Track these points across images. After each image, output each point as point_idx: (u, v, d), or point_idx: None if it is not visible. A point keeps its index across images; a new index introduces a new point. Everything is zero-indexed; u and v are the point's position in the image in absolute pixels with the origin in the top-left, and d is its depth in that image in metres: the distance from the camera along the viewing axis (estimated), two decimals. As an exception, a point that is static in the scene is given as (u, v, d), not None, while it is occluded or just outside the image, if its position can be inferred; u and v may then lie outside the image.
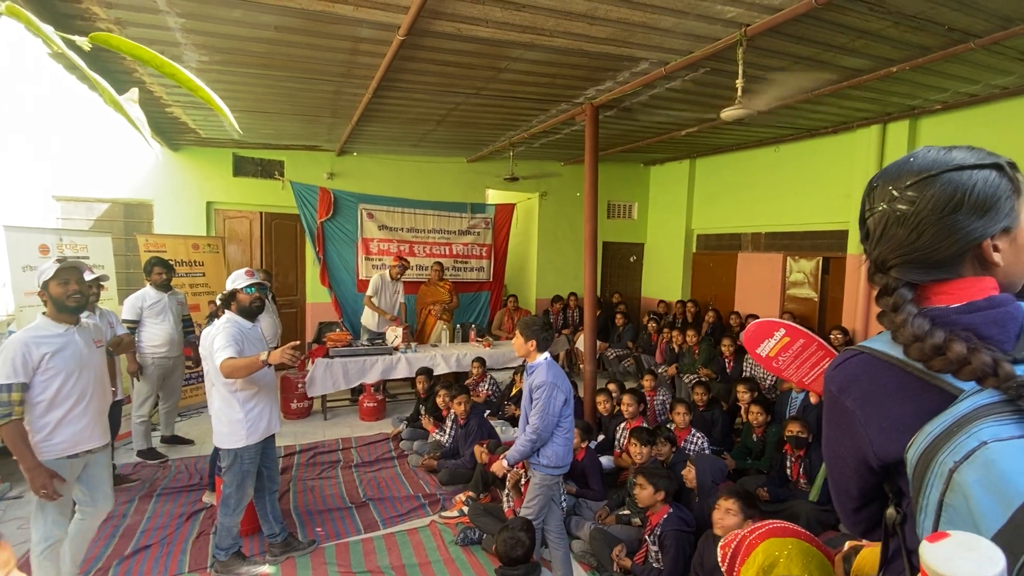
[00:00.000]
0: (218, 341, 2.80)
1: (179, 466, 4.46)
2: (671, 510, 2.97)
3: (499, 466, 2.89)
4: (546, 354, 2.82)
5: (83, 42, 0.53)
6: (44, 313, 2.48)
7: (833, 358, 1.10)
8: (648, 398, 5.20)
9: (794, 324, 1.11)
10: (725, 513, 2.48)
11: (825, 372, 0.83)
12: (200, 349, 3.37)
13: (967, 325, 0.68)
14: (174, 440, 4.89)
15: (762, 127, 6.36)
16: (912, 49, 3.80)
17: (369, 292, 6.24)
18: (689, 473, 3.27)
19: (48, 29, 0.50)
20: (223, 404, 2.92)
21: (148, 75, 4.27)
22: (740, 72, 3.57)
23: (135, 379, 4.39)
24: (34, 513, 2.43)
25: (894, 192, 0.75)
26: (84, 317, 2.63)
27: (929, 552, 0.49)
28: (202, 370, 3.23)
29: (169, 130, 6.07)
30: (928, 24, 3.37)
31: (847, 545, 1.20)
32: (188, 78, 0.58)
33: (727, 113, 3.65)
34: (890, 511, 0.78)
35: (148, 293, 4.48)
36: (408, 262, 6.49)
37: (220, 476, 3.01)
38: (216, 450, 3.67)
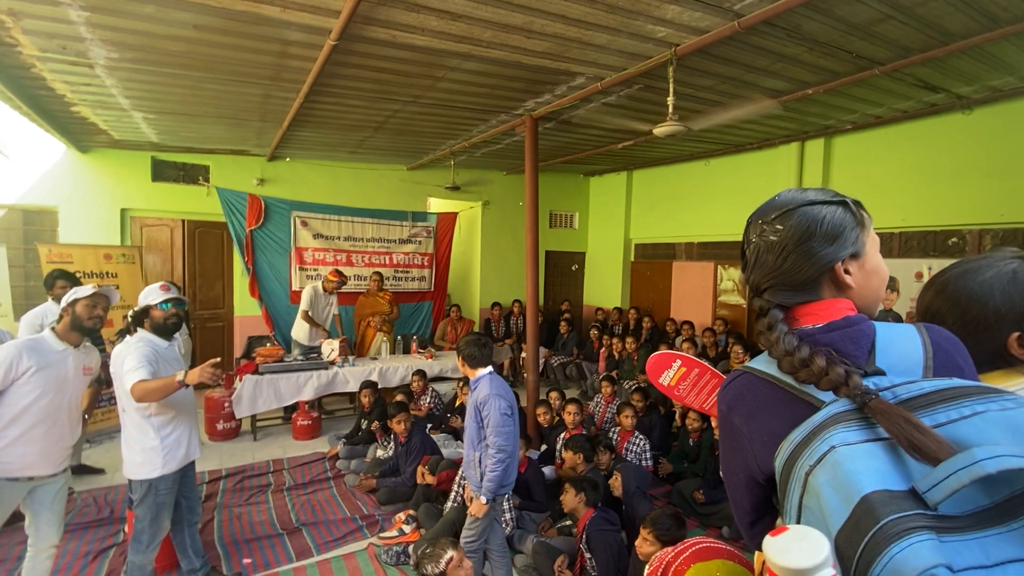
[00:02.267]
0: (128, 362, 2.56)
1: (86, 499, 4.05)
2: (595, 512, 3.02)
3: (479, 507, 2.64)
4: (488, 368, 2.77)
5: None
6: (53, 329, 2.54)
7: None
8: (604, 404, 5.27)
9: (688, 355, 1.17)
10: (643, 541, 2.52)
11: (717, 392, 0.90)
12: (111, 369, 3.08)
13: (827, 343, 0.76)
14: (82, 469, 4.44)
15: (693, 142, 6.64)
16: (825, 73, 4.08)
17: (303, 306, 5.95)
18: (616, 481, 3.37)
19: None
20: (136, 430, 2.67)
21: (49, 71, 3.90)
22: (671, 90, 3.70)
23: None
24: None
25: (764, 226, 0.86)
26: (87, 343, 2.68)
27: (768, 544, 0.54)
28: (113, 392, 2.96)
29: (76, 131, 5.58)
30: (838, 51, 3.64)
31: (759, 557, 1.22)
32: None
33: (660, 129, 3.77)
34: (780, 522, 0.82)
35: (50, 309, 4.06)
36: (346, 277, 6.25)
37: (132, 510, 2.75)
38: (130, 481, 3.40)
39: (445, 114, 5.20)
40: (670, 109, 3.71)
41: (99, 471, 4.52)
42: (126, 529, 3.51)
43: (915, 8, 3.08)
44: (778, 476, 0.71)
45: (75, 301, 2.53)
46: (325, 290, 6.05)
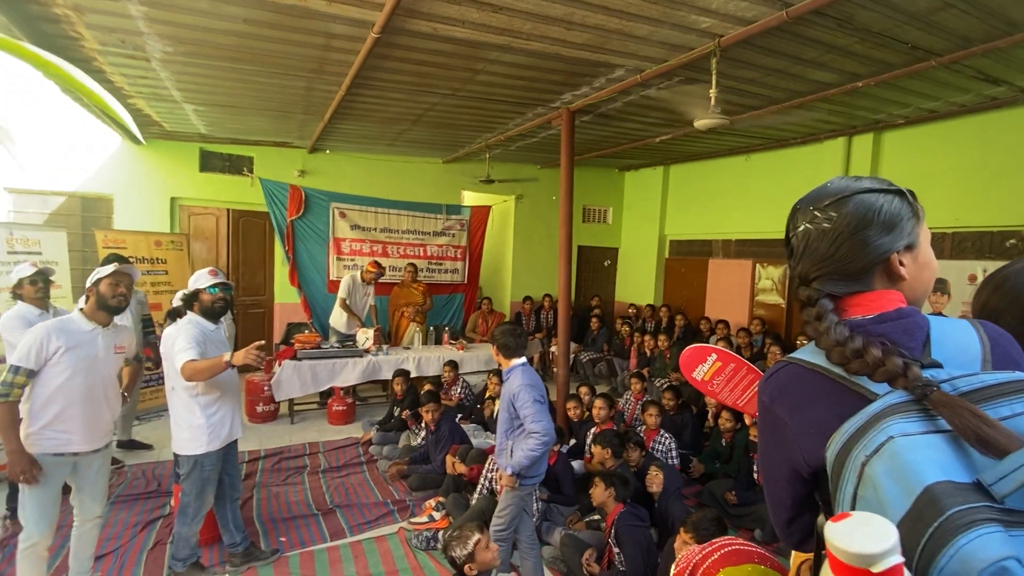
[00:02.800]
0: (179, 343, 2.69)
1: (136, 472, 4.27)
2: (625, 508, 3.01)
3: (508, 479, 2.69)
4: (522, 359, 2.79)
5: None
6: (81, 309, 2.53)
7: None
8: (634, 402, 5.23)
9: (725, 350, 1.13)
10: (682, 544, 2.48)
11: (758, 384, 0.87)
12: (160, 350, 3.23)
13: (880, 333, 0.74)
14: (131, 445, 4.69)
15: (733, 136, 6.48)
16: (877, 65, 3.92)
17: (342, 294, 6.11)
18: (656, 477, 3.30)
19: None
20: (183, 408, 2.80)
21: (109, 64, 4.10)
22: (714, 82, 3.62)
23: None
24: (19, 511, 2.46)
25: (816, 212, 0.83)
26: (118, 321, 2.67)
27: (831, 530, 0.53)
28: (162, 372, 3.10)
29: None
30: (892, 41, 3.49)
31: (796, 558, 1.20)
32: (96, 95, 0.54)
33: (701, 122, 3.70)
34: (821, 519, 0.81)
35: (104, 291, 4.29)
36: (384, 269, 6.39)
37: (178, 484, 2.89)
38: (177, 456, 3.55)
39: (482, 107, 5.22)
40: (712, 101, 3.63)
41: (148, 447, 4.76)
42: (172, 502, 3.70)
43: (978, -5, 2.92)
44: (829, 467, 0.69)
45: (98, 280, 2.50)
46: (364, 280, 6.19)
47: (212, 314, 2.86)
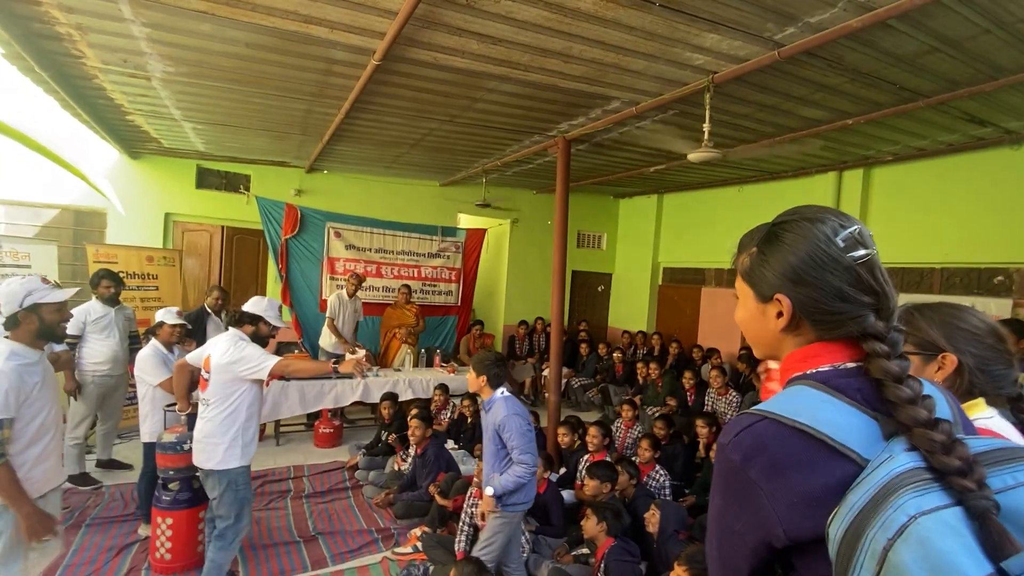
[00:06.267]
0: (252, 351, 2.86)
1: (113, 493, 4.16)
2: (615, 542, 2.95)
3: (488, 502, 2.67)
4: (501, 389, 2.78)
5: None
6: (7, 337, 2.16)
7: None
8: (624, 429, 5.18)
9: None
10: None
11: (721, 438, 0.78)
12: (136, 370, 3.29)
13: (857, 387, 0.70)
14: (111, 464, 4.57)
15: (727, 168, 6.58)
16: (867, 104, 4.01)
17: (329, 314, 6.07)
18: (653, 517, 3.21)
19: None
20: (219, 424, 2.83)
21: (110, 82, 4.12)
22: (707, 116, 3.69)
23: (72, 398, 4.13)
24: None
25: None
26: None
27: None
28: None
29: (129, 138, 5.86)
30: (881, 82, 3.58)
31: None
32: (37, 143, 0.53)
33: (694, 155, 3.75)
34: None
35: (93, 307, 4.24)
36: (363, 278, 6.39)
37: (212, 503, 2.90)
38: (143, 478, 3.53)
39: (480, 134, 5.28)
40: (706, 135, 3.69)
41: (127, 467, 4.64)
42: (139, 530, 3.58)
43: (964, 42, 3.01)
44: (834, 546, 0.63)
45: (37, 306, 2.16)
46: (348, 295, 6.16)
47: (259, 342, 3.03)
